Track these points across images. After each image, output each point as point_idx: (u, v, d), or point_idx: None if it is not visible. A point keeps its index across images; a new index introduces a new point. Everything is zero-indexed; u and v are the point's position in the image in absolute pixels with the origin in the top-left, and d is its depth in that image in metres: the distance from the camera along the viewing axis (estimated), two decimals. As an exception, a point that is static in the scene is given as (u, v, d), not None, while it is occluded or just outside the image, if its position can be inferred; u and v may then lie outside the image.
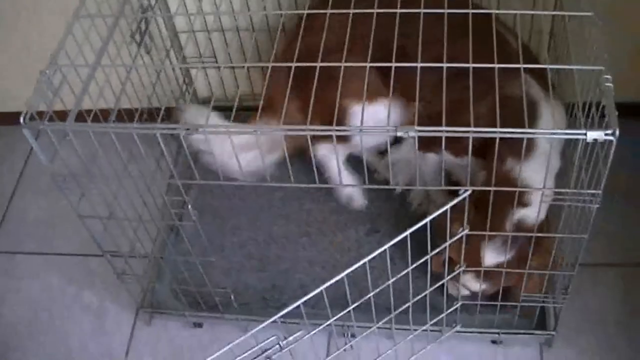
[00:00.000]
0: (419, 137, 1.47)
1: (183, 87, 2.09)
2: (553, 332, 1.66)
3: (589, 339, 1.73)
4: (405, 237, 1.28)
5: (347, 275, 1.27)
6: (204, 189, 2.03)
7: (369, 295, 1.38)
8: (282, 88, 1.37)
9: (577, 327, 1.74)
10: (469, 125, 1.13)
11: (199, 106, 1.80)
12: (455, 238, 1.37)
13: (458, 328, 1.65)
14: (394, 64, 1.28)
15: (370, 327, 1.52)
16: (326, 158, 1.82)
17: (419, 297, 1.47)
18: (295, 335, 1.28)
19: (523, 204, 1.46)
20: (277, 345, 1.26)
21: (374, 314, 1.47)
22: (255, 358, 1.25)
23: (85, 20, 1.46)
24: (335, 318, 1.37)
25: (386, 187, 1.83)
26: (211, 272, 1.67)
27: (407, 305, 1.48)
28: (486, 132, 1.13)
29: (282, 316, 1.27)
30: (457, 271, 1.46)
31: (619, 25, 1.79)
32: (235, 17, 1.78)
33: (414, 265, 1.37)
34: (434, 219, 1.31)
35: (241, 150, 1.37)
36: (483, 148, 1.39)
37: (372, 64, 1.29)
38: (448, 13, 1.30)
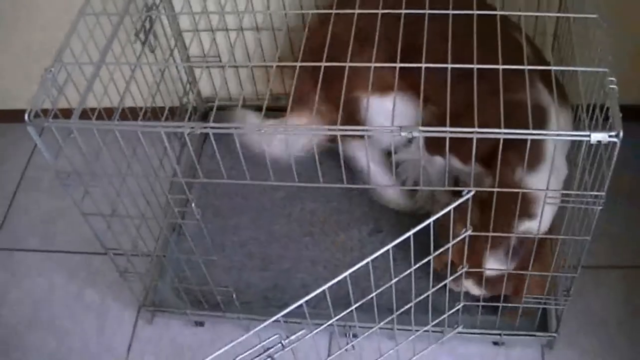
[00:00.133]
0: (427, 140, 1.48)
1: (187, 87, 2.10)
2: (555, 334, 1.66)
3: (590, 340, 1.73)
4: (408, 237, 1.28)
5: (349, 275, 1.27)
6: (207, 187, 2.03)
7: (371, 296, 1.38)
8: (308, 82, 1.37)
9: (579, 329, 1.74)
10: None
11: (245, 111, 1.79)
12: (458, 239, 1.37)
13: (460, 329, 1.65)
14: (407, 63, 1.28)
15: (372, 328, 1.52)
16: (356, 156, 1.82)
17: (421, 297, 1.47)
18: (297, 335, 1.28)
19: (529, 215, 1.46)
20: (279, 344, 1.26)
21: (376, 314, 1.47)
22: (257, 356, 1.25)
23: (90, 18, 1.46)
24: (337, 318, 1.37)
25: (387, 185, 1.83)
26: (213, 271, 1.67)
27: (409, 305, 1.48)
28: (490, 132, 1.13)
29: (284, 315, 1.27)
30: (460, 272, 1.46)
31: (620, 27, 1.80)
32: (240, 16, 1.78)
33: (417, 266, 1.37)
34: (437, 219, 1.31)
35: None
36: (491, 157, 1.40)
37: (396, 64, 1.29)
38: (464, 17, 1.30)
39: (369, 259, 1.27)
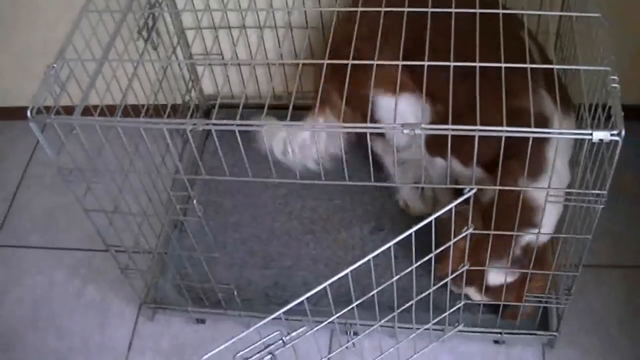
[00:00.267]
0: (428, 140, 1.48)
1: (189, 84, 2.10)
2: (556, 333, 1.65)
3: (591, 340, 1.73)
4: (410, 235, 1.28)
5: (350, 272, 1.27)
6: (209, 185, 2.03)
7: (372, 293, 1.38)
8: (329, 82, 1.38)
9: (580, 328, 1.74)
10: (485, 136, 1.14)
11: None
12: (460, 237, 1.37)
13: (460, 327, 1.65)
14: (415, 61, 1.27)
15: (373, 325, 1.52)
16: (380, 154, 1.83)
17: (422, 295, 1.47)
18: (298, 331, 1.28)
19: (533, 225, 1.46)
20: (280, 341, 1.26)
21: (377, 312, 1.47)
22: (257, 353, 1.25)
23: (92, 15, 1.46)
24: (338, 315, 1.37)
25: (390, 184, 1.83)
26: (214, 268, 1.67)
27: (410, 303, 1.48)
28: (492, 130, 1.13)
29: (285, 313, 1.27)
30: (461, 270, 1.46)
31: (621, 26, 1.79)
32: (242, 14, 1.78)
33: (418, 263, 1.37)
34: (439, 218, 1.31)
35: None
36: (494, 163, 1.40)
37: (404, 62, 1.29)
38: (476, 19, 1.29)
39: (370, 256, 1.27)
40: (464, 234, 1.37)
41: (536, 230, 1.44)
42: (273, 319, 1.28)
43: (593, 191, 1.24)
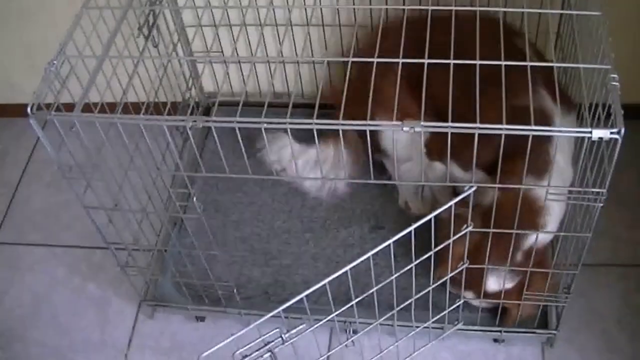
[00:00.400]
0: (428, 144, 1.48)
1: (189, 82, 2.10)
2: (555, 332, 1.66)
3: (590, 338, 1.73)
4: (409, 234, 1.28)
5: (350, 271, 1.27)
6: (209, 183, 2.04)
7: (371, 291, 1.38)
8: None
9: (579, 327, 1.74)
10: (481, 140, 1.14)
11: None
12: (459, 234, 1.37)
13: (460, 326, 1.65)
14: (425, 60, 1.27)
15: (372, 323, 1.52)
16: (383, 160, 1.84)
17: (422, 293, 1.47)
18: (297, 329, 1.28)
19: (537, 227, 1.46)
20: (280, 338, 1.26)
21: (377, 311, 1.47)
22: (257, 350, 1.25)
23: (93, 12, 1.46)
24: (337, 312, 1.37)
25: (390, 182, 1.83)
26: (214, 266, 1.67)
27: (409, 301, 1.48)
28: (492, 128, 1.13)
29: (285, 311, 1.27)
30: (460, 268, 1.46)
31: (621, 25, 1.80)
32: (243, 11, 1.78)
33: (418, 261, 1.37)
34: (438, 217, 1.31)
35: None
36: (494, 164, 1.40)
37: (399, 59, 1.26)
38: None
39: (369, 254, 1.27)
40: (463, 232, 1.36)
41: (540, 233, 1.44)
42: (273, 317, 1.28)
43: (593, 189, 1.24)
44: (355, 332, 1.56)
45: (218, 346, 1.22)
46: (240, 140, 1.28)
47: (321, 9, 1.89)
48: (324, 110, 1.27)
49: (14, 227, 2.15)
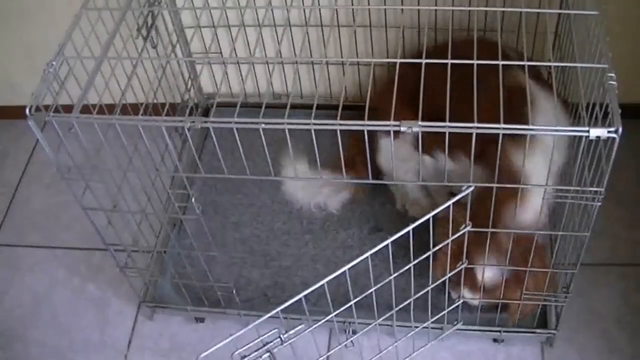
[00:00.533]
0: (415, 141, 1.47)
1: (188, 83, 2.10)
2: (554, 331, 1.66)
3: (590, 337, 1.73)
4: (408, 235, 1.28)
5: (349, 272, 1.27)
6: (208, 184, 2.04)
7: (370, 290, 1.38)
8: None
9: (578, 326, 1.74)
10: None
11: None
12: (458, 234, 1.37)
13: (459, 326, 1.65)
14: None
15: (371, 324, 1.52)
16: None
17: (421, 293, 1.47)
18: (296, 329, 1.28)
19: (522, 204, 1.43)
20: (278, 339, 1.26)
21: (376, 311, 1.47)
22: (256, 351, 1.25)
23: (92, 13, 1.46)
24: (336, 312, 1.37)
25: (388, 182, 1.83)
26: (213, 268, 1.67)
27: (408, 301, 1.48)
28: (489, 128, 1.13)
29: (284, 312, 1.27)
30: (459, 268, 1.46)
31: (619, 24, 1.80)
32: (241, 12, 1.78)
33: (417, 261, 1.37)
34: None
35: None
36: (483, 153, 1.39)
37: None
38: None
39: (368, 254, 1.27)
40: (461, 232, 1.36)
41: (527, 212, 1.41)
42: (272, 318, 1.28)
43: (591, 188, 1.24)
44: (354, 332, 1.56)
45: (217, 346, 1.22)
46: (239, 141, 1.28)
47: (320, 9, 1.89)
48: (321, 110, 1.27)
49: (14, 228, 2.15)
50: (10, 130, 2.37)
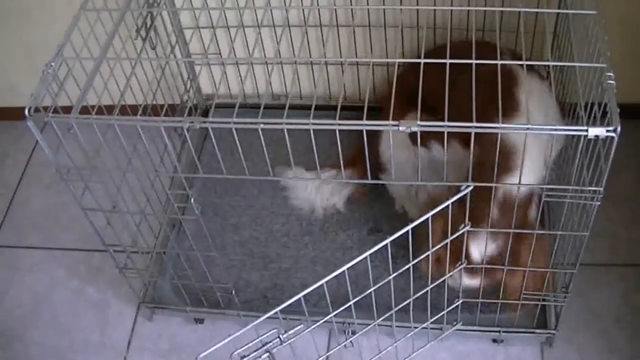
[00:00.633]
0: (411, 134, 1.47)
1: (187, 84, 2.10)
2: (554, 331, 1.66)
3: (589, 338, 1.73)
4: (407, 236, 1.28)
5: (348, 273, 1.27)
6: (207, 186, 2.04)
7: (370, 290, 1.38)
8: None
9: (578, 327, 1.74)
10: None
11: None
12: (457, 234, 1.37)
13: (459, 326, 1.65)
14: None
15: (370, 324, 1.52)
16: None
17: (420, 293, 1.47)
18: (295, 329, 1.28)
19: (507, 168, 1.41)
20: (278, 339, 1.26)
21: (375, 311, 1.47)
22: (255, 351, 1.26)
23: (91, 13, 1.46)
24: (335, 312, 1.37)
25: (388, 182, 1.83)
26: (213, 270, 1.67)
27: (407, 301, 1.48)
28: (488, 127, 1.13)
29: (283, 312, 1.27)
30: (458, 268, 1.46)
31: (617, 24, 1.80)
32: (240, 12, 1.78)
33: (416, 261, 1.37)
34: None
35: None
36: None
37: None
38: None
39: (367, 253, 1.27)
40: (461, 231, 1.36)
41: (512, 176, 1.41)
42: (271, 318, 1.28)
43: (589, 188, 1.24)
44: (353, 333, 1.56)
45: (216, 346, 1.22)
46: (238, 142, 1.28)
47: (318, 9, 1.89)
48: (320, 111, 1.27)
49: (14, 228, 2.15)
50: (10, 132, 2.37)
